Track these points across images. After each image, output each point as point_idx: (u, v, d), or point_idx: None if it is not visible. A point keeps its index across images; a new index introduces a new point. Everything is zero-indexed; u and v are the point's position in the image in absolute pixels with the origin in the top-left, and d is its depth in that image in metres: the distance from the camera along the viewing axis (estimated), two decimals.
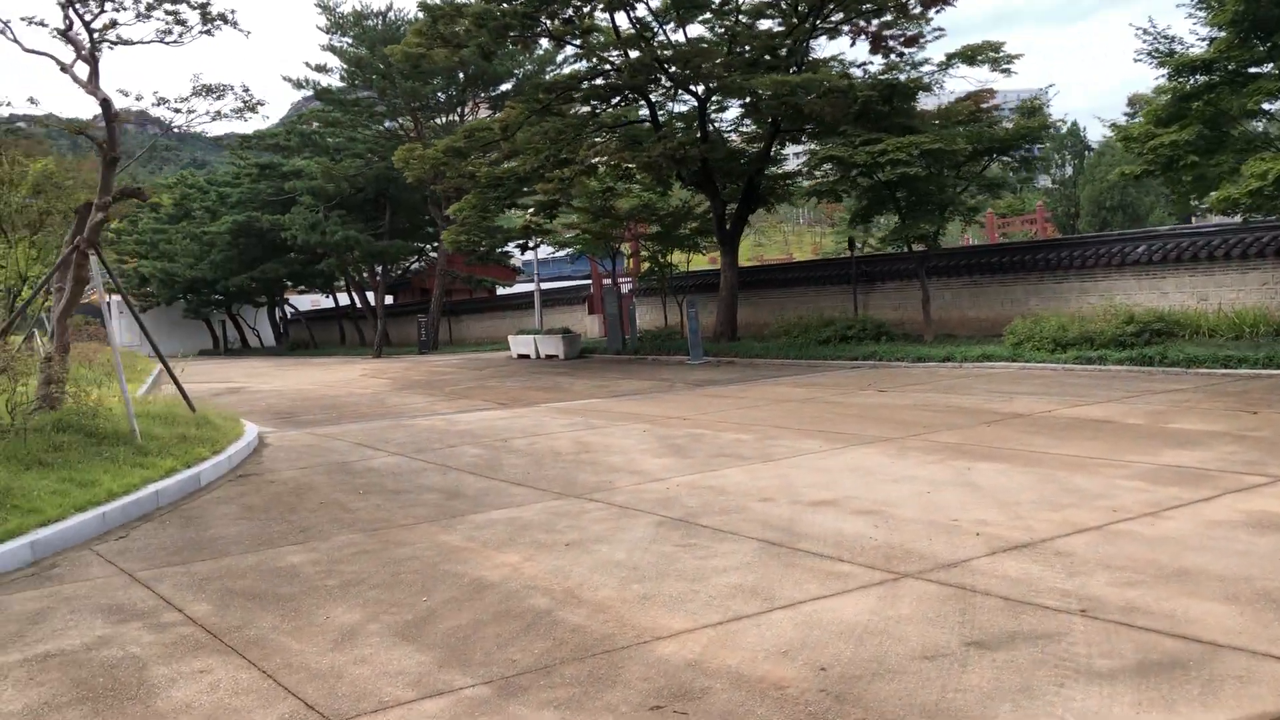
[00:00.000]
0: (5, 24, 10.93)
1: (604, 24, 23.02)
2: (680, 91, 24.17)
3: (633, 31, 22.17)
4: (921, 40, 22.27)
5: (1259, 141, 16.91)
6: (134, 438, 10.12)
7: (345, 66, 37.17)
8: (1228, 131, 16.97)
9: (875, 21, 21.65)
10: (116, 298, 53.44)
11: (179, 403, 12.66)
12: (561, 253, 29.69)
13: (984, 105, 20.71)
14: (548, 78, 30.86)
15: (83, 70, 10.73)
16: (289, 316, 53.14)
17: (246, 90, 11.89)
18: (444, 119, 37.27)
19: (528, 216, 27.53)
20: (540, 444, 11.27)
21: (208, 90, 11.74)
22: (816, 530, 6.64)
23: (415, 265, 44.45)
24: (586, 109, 23.88)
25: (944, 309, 21.83)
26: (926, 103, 23.62)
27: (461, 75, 34.85)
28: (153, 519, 8.34)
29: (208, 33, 11.43)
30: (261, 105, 12.11)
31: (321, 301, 52.76)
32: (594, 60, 23.31)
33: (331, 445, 12.17)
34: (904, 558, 5.88)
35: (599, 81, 23.53)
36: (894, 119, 20.13)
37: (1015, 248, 22.87)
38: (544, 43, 28.03)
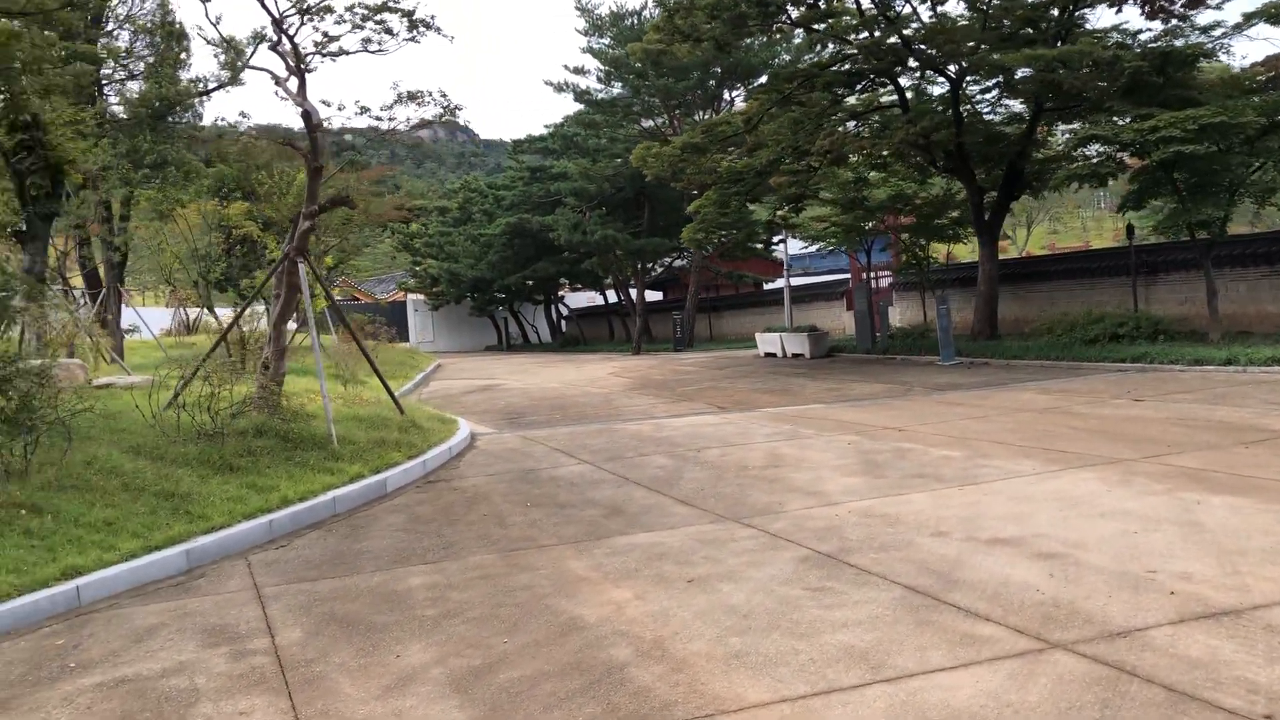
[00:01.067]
0: (228, 43, 11.50)
1: (850, 6, 21.90)
2: (932, 73, 22.65)
3: (876, 12, 20.94)
4: None
5: None
6: (330, 442, 10.36)
7: (602, 68, 37.73)
8: None
9: None
10: (415, 296, 57.52)
11: (392, 405, 12.96)
12: (813, 247, 28.68)
13: None
14: (803, 66, 29.92)
15: (293, 84, 11.11)
16: (564, 314, 54.90)
17: (444, 95, 12.04)
18: (701, 115, 37.07)
19: (774, 211, 26.76)
20: (732, 456, 10.64)
21: (410, 96, 11.98)
22: (978, 576, 5.68)
23: (678, 262, 44.62)
24: (828, 97, 22.80)
25: (1238, 303, 19.25)
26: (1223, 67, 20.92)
27: (719, 69, 34.52)
28: (322, 527, 8.41)
29: (413, 39, 11.61)
30: (460, 109, 12.24)
31: (596, 299, 54.13)
32: (837, 45, 22.23)
33: (532, 450, 12.05)
34: (1066, 620, 4.87)
35: (845, 67, 22.44)
36: (1169, 90, 17.84)
37: None
38: (798, 31, 27.14)
